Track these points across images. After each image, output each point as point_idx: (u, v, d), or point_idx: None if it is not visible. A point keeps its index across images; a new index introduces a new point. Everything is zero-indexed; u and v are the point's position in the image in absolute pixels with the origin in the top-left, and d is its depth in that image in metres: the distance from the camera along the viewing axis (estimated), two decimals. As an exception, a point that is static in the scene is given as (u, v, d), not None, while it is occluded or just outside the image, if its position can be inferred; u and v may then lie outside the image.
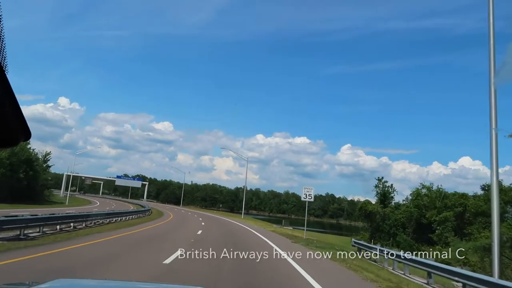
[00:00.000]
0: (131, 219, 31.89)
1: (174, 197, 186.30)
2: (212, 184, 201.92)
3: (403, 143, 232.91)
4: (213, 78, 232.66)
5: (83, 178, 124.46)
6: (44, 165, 65.37)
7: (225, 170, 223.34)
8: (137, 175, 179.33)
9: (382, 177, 53.55)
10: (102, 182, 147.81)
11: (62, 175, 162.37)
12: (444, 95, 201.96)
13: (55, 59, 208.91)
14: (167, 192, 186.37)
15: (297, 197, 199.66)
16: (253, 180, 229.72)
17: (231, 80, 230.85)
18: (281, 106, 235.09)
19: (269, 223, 54.10)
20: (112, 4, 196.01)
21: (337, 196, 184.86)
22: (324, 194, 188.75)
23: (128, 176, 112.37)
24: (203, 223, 35.23)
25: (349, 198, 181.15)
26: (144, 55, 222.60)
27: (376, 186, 51.23)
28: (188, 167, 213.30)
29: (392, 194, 52.81)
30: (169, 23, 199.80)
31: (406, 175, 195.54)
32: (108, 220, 26.39)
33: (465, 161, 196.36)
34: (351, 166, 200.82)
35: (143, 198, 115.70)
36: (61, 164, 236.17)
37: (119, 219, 29.17)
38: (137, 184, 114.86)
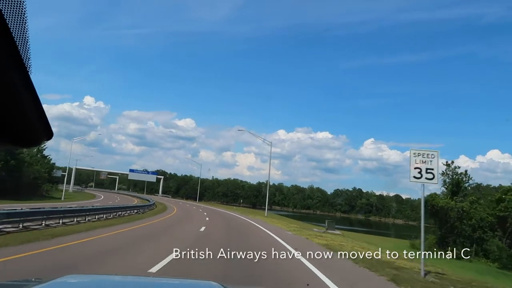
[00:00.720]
0: (119, 216, 27.60)
1: (194, 193, 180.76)
2: (234, 179, 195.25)
3: (428, 136, 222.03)
4: (234, 73, 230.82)
5: (100, 172, 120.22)
6: (38, 155, 59.93)
7: (247, 166, 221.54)
8: (156, 170, 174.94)
9: (452, 161, 41.09)
10: (117, 177, 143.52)
11: (85, 171, 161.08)
12: (470, 86, 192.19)
13: (81, 59, 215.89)
14: (187, 187, 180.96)
15: (322, 192, 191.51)
16: (275, 175, 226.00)
17: (251, 76, 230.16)
18: (302, 100, 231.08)
19: (305, 224, 43.65)
20: (134, 3, 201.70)
21: (364, 191, 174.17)
22: (350, 189, 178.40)
23: (147, 171, 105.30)
24: (202, 229, 22.07)
25: (377, 193, 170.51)
26: (165, 52, 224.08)
27: (443, 174, 38.56)
28: (210, 163, 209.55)
29: (467, 184, 40.26)
30: (189, 21, 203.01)
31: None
32: (97, 216, 23.13)
33: (494, 154, 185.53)
34: (374, 161, 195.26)
35: (159, 193, 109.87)
36: (87, 161, 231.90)
37: (111, 215, 25.90)
38: (152, 178, 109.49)
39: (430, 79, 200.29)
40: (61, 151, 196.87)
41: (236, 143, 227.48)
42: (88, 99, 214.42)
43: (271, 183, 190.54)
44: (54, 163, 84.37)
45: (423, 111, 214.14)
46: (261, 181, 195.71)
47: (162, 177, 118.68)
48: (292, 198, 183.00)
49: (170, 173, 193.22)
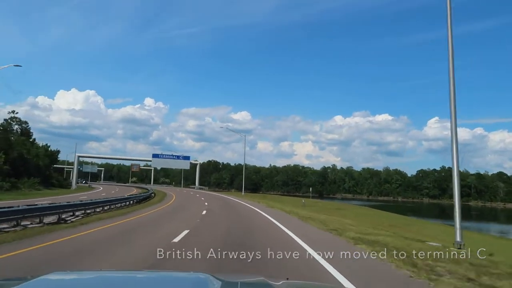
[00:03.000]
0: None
1: (250, 183, 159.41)
2: (294, 165, 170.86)
3: (500, 109, 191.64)
4: (283, 63, 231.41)
5: (132, 165, 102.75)
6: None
7: (305, 155, 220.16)
8: (208, 161, 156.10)
9: None
10: (152, 169, 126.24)
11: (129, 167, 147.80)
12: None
13: (138, 63, 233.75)
14: (241, 177, 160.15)
15: (402, 175, 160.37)
16: (334, 162, 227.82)
17: (302, 64, 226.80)
18: (358, 84, 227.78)
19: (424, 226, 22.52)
20: (183, 4, 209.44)
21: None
22: (438, 168, 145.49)
23: (176, 155, 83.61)
24: None
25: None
26: (216, 48, 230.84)
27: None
28: (268, 154, 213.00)
29: None
30: (236, 14, 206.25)
31: (506, 145, 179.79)
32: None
33: None
34: (440, 141, 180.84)
35: (195, 185, 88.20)
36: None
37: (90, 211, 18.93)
38: (184, 165, 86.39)
39: (498, 47, 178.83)
40: (127, 152, 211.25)
41: (292, 133, 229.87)
42: (149, 101, 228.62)
43: (329, 169, 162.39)
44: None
45: (493, 82, 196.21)
46: (326, 166, 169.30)
47: (198, 162, 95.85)
48: (365, 183, 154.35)
49: (223, 162, 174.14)
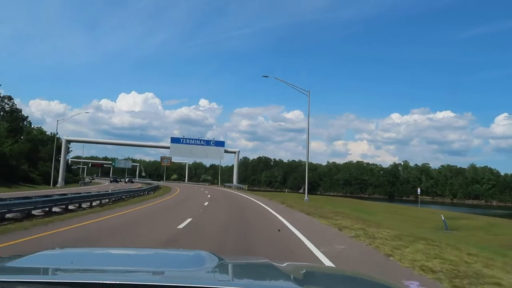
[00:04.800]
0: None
1: (305, 182, 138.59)
2: (357, 162, 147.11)
3: None
4: (337, 59, 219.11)
5: (163, 160, 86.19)
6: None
7: (360, 154, 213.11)
8: (261, 157, 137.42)
9: None
10: (186, 163, 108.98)
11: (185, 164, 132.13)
12: None
13: (193, 65, 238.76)
14: (295, 175, 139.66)
15: (493, 173, 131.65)
16: (391, 162, 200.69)
17: (357, 59, 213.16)
18: (417, 80, 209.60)
19: None
20: (232, 6, 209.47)
21: None
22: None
23: (203, 140, 63.76)
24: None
25: None
26: (268, 47, 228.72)
27: None
28: (321, 153, 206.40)
29: None
30: (288, 13, 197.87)
31: None
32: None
33: None
34: (510, 139, 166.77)
35: (233, 182, 66.78)
36: (207, 161, 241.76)
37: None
38: (215, 153, 64.66)
39: None
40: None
41: (346, 131, 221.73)
42: (203, 101, 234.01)
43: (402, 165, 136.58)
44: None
45: None
46: (396, 163, 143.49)
47: (237, 150, 74.09)
48: (446, 184, 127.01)
49: (274, 159, 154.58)
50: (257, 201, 28.27)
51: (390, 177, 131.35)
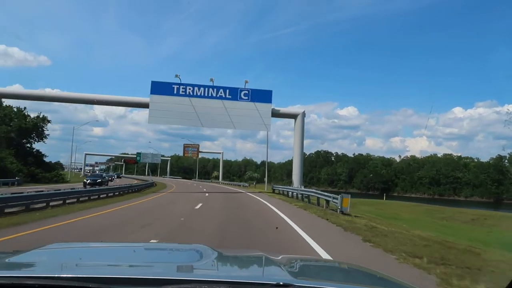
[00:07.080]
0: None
1: (378, 180, 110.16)
2: (444, 154, 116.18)
3: None
4: (391, 51, 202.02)
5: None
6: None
7: (419, 151, 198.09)
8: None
9: None
10: (222, 153, 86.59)
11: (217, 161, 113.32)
12: None
13: (245, 64, 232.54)
14: (364, 172, 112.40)
15: None
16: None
17: (412, 51, 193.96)
18: (482, 70, 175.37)
19: None
20: (282, 3, 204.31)
21: None
22: None
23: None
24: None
25: None
26: (319, 45, 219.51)
27: None
28: (377, 150, 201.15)
29: None
30: (336, 8, 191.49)
31: None
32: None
33: None
34: None
35: (292, 182, 40.31)
36: (259, 157, 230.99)
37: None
38: (256, 115, 34.74)
39: None
40: (237, 150, 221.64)
41: (403, 127, 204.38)
42: None
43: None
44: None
45: None
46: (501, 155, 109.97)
47: (300, 111, 40.96)
48: None
49: (337, 152, 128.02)
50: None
51: (494, 173, 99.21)
